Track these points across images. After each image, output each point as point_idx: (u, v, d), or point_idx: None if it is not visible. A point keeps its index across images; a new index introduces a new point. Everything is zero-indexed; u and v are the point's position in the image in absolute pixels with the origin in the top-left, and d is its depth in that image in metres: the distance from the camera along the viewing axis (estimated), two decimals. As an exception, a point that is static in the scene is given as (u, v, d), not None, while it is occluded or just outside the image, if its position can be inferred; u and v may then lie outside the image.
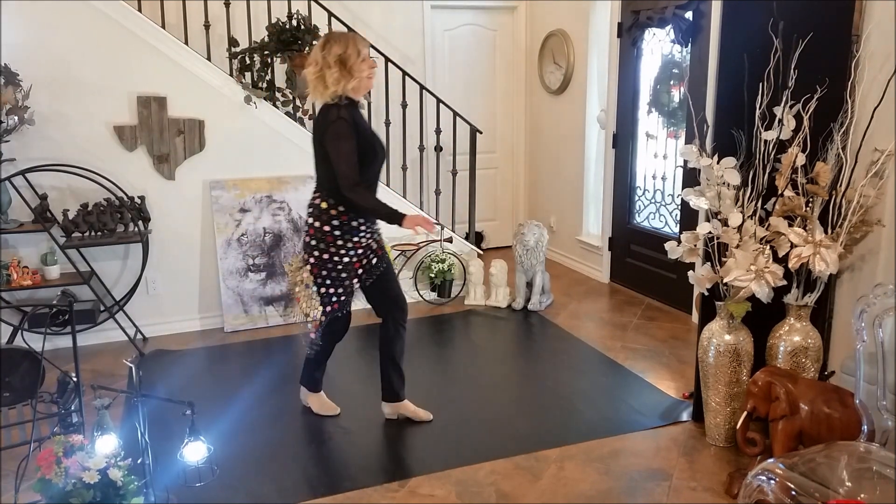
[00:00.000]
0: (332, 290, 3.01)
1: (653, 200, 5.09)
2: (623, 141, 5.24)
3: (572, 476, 2.82)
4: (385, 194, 3.98)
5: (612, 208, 5.40)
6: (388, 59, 4.94)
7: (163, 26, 4.35)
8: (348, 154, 2.80)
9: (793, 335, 2.85)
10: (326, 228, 2.93)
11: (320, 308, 3.01)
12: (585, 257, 5.78)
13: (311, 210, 2.97)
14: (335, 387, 3.72)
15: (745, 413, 2.62)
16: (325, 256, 2.96)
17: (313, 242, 2.95)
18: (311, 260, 2.97)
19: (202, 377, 3.85)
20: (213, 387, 3.72)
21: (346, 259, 2.99)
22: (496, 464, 2.91)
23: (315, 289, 2.99)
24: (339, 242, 2.96)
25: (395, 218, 2.87)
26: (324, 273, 2.97)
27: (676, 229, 4.80)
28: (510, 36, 6.35)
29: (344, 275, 3.01)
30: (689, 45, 4.51)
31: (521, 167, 6.61)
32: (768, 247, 2.83)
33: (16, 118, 3.81)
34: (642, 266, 5.13)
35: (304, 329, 3.10)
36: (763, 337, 2.96)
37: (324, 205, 2.92)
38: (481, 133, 5.35)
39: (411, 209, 4.82)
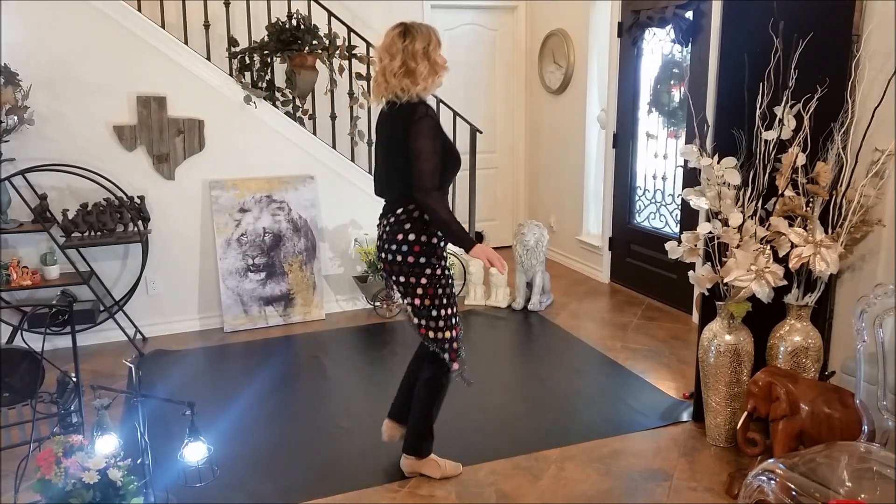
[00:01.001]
0: (450, 311, 2.65)
1: (653, 200, 5.09)
2: (623, 141, 5.24)
3: (572, 476, 2.82)
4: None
5: (612, 208, 5.40)
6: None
7: (162, 26, 4.34)
8: (432, 155, 2.49)
9: (793, 335, 2.85)
10: (434, 241, 2.58)
11: (451, 333, 2.66)
12: (586, 257, 5.77)
13: (408, 226, 2.56)
14: (335, 387, 3.72)
15: (745, 413, 2.61)
16: (438, 272, 2.61)
17: (423, 259, 2.56)
18: (423, 280, 2.58)
19: (202, 377, 3.85)
20: (213, 387, 3.72)
21: (449, 271, 2.69)
22: (496, 464, 2.91)
23: (435, 313, 2.61)
24: (444, 254, 2.65)
25: (466, 242, 2.52)
26: (440, 291, 2.61)
27: (677, 229, 4.80)
28: (510, 36, 6.35)
29: (453, 289, 2.69)
30: (690, 44, 4.50)
31: (521, 167, 6.61)
32: (769, 247, 2.83)
33: (15, 118, 3.81)
34: (643, 266, 5.13)
35: (447, 361, 2.70)
36: (763, 337, 2.95)
37: (426, 215, 2.56)
38: (481, 133, 5.35)
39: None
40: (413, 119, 2.51)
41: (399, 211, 2.59)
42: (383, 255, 2.65)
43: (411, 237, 2.56)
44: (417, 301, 2.62)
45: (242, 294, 4.53)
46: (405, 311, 2.74)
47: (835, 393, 2.51)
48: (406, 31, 2.60)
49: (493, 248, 2.67)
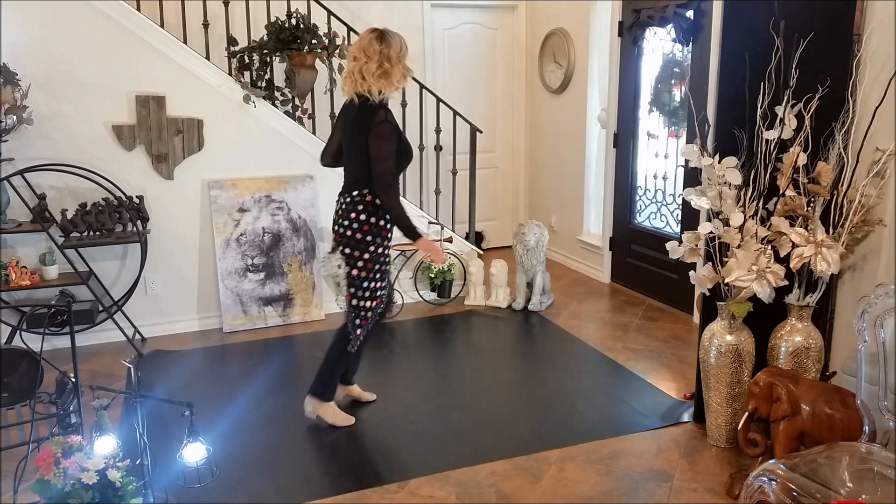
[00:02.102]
0: (378, 285, 3.08)
1: (654, 200, 5.08)
2: (624, 140, 5.23)
3: (573, 477, 2.81)
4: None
5: (612, 208, 5.39)
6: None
7: (161, 25, 4.34)
8: (389, 155, 2.91)
9: (794, 335, 2.84)
10: (382, 223, 2.99)
11: (370, 304, 3.08)
12: (586, 257, 5.77)
13: (360, 207, 2.98)
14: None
15: (746, 414, 2.61)
16: (380, 250, 3.02)
17: (368, 238, 2.98)
18: (366, 256, 3.00)
19: (201, 378, 3.85)
20: (212, 387, 3.71)
21: (389, 251, 3.11)
22: (496, 465, 2.90)
23: (366, 284, 3.04)
24: (389, 235, 3.05)
25: (413, 233, 2.98)
26: (377, 267, 3.03)
27: (678, 229, 4.79)
28: (510, 35, 6.34)
29: (388, 267, 3.13)
30: (691, 44, 4.50)
31: (522, 167, 6.60)
32: (770, 247, 2.83)
33: (14, 118, 3.80)
34: (643, 266, 5.12)
35: (352, 327, 3.11)
36: (764, 337, 2.95)
37: (377, 200, 2.97)
38: (481, 132, 5.34)
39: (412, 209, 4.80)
40: (373, 122, 2.90)
41: (355, 193, 3.00)
42: (337, 227, 3.05)
43: (362, 217, 2.97)
44: (355, 272, 3.02)
45: (241, 294, 4.52)
46: (338, 279, 3.12)
47: (836, 393, 2.51)
48: (382, 36, 2.94)
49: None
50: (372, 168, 2.91)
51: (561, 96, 5.87)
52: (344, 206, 3.03)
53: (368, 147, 2.90)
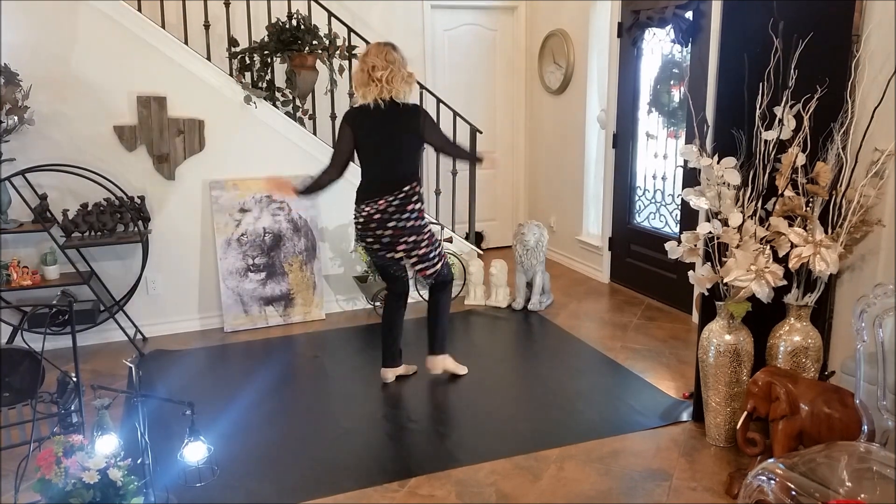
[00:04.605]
0: (439, 251, 3.61)
1: (653, 200, 5.09)
2: (623, 141, 5.24)
3: (572, 476, 2.82)
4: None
5: (612, 208, 5.40)
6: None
7: (163, 26, 4.35)
8: (443, 131, 3.56)
9: (793, 335, 2.85)
10: (424, 208, 3.54)
11: (439, 266, 3.59)
12: (585, 257, 5.78)
13: (414, 199, 3.45)
14: (334, 387, 3.72)
15: (745, 413, 2.62)
16: (430, 225, 3.58)
17: (421, 223, 3.48)
18: (425, 236, 3.50)
19: (202, 377, 3.85)
20: (213, 387, 3.72)
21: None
22: (496, 464, 2.91)
23: (433, 253, 3.54)
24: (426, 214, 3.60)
25: (478, 160, 3.76)
26: (435, 239, 3.58)
27: (676, 229, 4.80)
28: (510, 36, 6.35)
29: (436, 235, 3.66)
30: (690, 44, 4.51)
31: (521, 167, 6.61)
32: (768, 247, 2.83)
33: (15, 118, 3.81)
34: (642, 266, 5.13)
35: (443, 278, 3.64)
36: (763, 337, 2.95)
37: (421, 191, 3.51)
38: (481, 133, 5.34)
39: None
40: (420, 117, 3.40)
41: (406, 188, 3.41)
42: (393, 223, 3.40)
43: (416, 206, 3.45)
44: (422, 251, 3.48)
45: (242, 294, 4.53)
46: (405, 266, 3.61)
47: (835, 393, 2.51)
48: (394, 46, 3.38)
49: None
50: (446, 144, 3.58)
51: (560, 97, 5.88)
52: (397, 203, 3.39)
53: (430, 139, 3.43)
